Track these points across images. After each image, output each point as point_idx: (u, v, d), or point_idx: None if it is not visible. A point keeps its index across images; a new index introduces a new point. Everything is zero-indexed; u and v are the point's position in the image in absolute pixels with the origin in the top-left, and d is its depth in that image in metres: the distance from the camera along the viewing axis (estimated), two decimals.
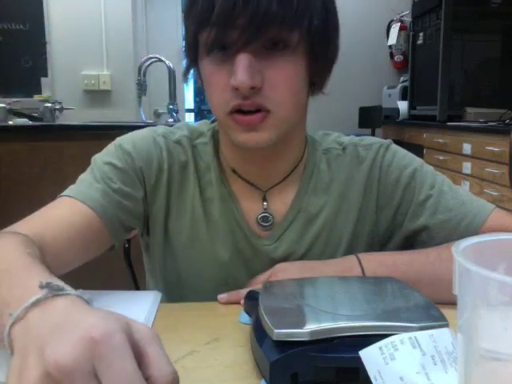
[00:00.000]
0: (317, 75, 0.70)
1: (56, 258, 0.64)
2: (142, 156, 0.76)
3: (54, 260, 0.62)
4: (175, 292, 0.80)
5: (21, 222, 0.68)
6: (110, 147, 0.78)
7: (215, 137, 0.80)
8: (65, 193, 0.73)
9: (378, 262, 0.72)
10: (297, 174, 0.79)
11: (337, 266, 0.72)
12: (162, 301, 0.71)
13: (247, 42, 0.61)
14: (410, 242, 0.80)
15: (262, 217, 0.77)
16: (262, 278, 0.73)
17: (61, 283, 0.43)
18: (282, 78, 0.65)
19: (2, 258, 0.52)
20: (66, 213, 0.70)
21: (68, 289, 0.42)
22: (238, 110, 0.65)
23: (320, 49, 0.67)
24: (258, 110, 0.65)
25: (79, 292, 0.43)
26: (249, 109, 0.64)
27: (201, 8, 0.62)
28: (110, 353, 0.34)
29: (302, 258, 0.77)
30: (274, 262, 0.75)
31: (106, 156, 0.76)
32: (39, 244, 0.62)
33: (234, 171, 0.78)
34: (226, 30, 0.61)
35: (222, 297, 0.70)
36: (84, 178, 0.75)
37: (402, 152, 0.82)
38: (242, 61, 0.62)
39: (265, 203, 0.78)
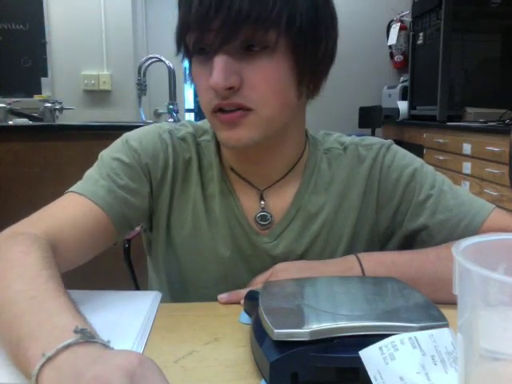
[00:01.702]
0: (308, 76, 0.69)
1: (66, 257, 0.67)
2: (148, 152, 0.77)
3: (63, 259, 0.65)
4: (177, 287, 0.81)
5: (33, 218, 0.70)
6: (117, 143, 0.79)
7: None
8: (73, 189, 0.74)
9: (378, 262, 0.72)
10: (296, 172, 0.79)
11: (337, 266, 0.72)
12: (164, 297, 0.71)
13: (222, 43, 0.62)
14: (410, 242, 0.80)
15: (260, 215, 0.78)
16: (262, 277, 0.73)
17: (92, 330, 0.46)
18: (262, 77, 0.65)
19: (27, 282, 0.54)
20: (76, 212, 0.70)
21: (98, 337, 0.45)
22: (220, 109, 0.66)
23: (307, 48, 0.66)
24: (238, 109, 0.66)
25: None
26: (229, 108, 0.65)
27: (182, 13, 0.65)
28: (151, 373, 0.39)
29: (301, 256, 0.78)
30: (273, 259, 0.76)
31: (113, 152, 0.77)
32: (51, 243, 0.64)
33: (232, 169, 0.79)
34: (203, 33, 0.63)
35: (222, 297, 0.71)
36: (90, 174, 0.76)
37: (403, 152, 0.82)
38: (218, 62, 0.63)
39: (262, 202, 0.78)
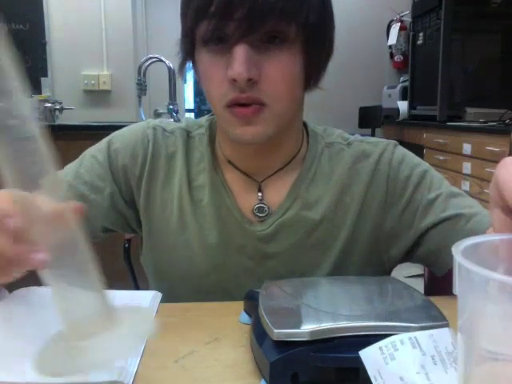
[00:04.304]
0: (313, 70, 0.71)
1: None
2: (127, 152, 0.79)
3: None
4: (166, 282, 0.80)
5: None
6: (102, 142, 0.82)
7: (212, 127, 0.82)
8: None
9: None
10: (295, 164, 0.79)
11: None
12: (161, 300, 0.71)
13: (245, 33, 0.62)
14: (420, 243, 0.78)
15: (257, 207, 0.77)
16: None
17: None
18: (279, 71, 0.65)
19: None
20: None
21: None
22: (236, 103, 0.65)
23: (316, 44, 0.68)
24: (253, 104, 0.65)
25: None
26: (245, 102, 0.65)
27: (199, 1, 0.63)
28: None
29: (296, 245, 0.77)
30: (266, 248, 0.76)
31: (94, 150, 0.81)
32: None
33: (229, 162, 0.79)
34: (224, 21, 0.62)
35: None
36: (66, 168, 0.80)
37: (411, 153, 0.83)
38: (240, 52, 0.62)
39: (260, 194, 0.78)
